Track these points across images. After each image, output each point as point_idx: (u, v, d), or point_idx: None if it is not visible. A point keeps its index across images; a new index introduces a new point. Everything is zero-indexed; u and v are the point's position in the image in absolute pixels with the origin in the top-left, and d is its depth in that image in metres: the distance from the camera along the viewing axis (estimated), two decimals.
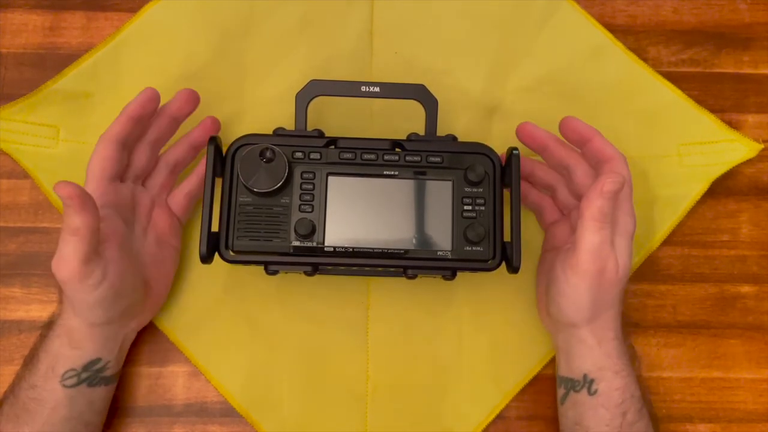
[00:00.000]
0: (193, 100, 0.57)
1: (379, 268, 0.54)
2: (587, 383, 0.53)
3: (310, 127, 0.54)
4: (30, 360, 0.53)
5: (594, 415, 0.52)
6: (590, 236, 0.50)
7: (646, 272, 0.63)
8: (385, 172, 0.53)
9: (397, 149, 0.54)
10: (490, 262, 0.53)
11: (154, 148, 0.57)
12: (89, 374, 0.53)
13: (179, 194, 0.59)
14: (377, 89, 0.54)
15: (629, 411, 0.52)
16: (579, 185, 0.56)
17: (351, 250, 0.52)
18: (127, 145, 0.54)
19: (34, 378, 0.52)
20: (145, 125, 0.55)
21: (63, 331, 0.52)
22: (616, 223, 0.52)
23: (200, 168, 0.59)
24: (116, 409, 0.58)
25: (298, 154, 0.53)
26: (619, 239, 0.52)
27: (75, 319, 0.52)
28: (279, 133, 0.54)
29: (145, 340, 0.59)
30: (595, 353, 0.53)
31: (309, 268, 0.52)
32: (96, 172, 0.52)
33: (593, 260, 0.50)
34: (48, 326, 0.54)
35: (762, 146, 0.63)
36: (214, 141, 0.51)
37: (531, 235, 0.62)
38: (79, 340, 0.52)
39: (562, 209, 0.59)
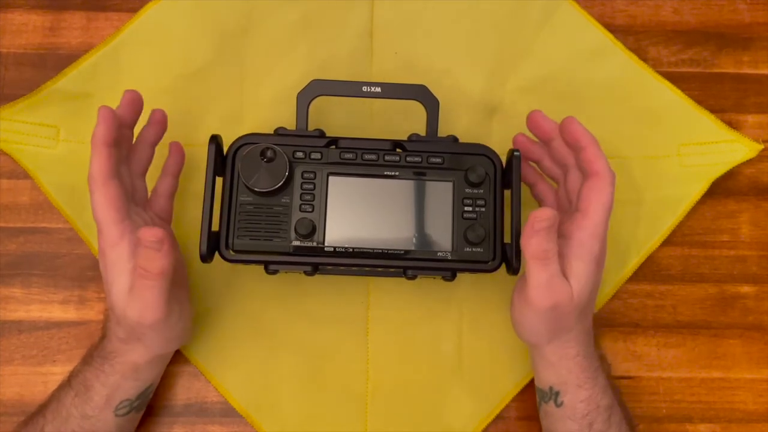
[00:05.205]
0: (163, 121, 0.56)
1: (379, 269, 0.54)
2: (553, 395, 0.53)
3: (310, 127, 0.54)
4: (80, 388, 0.52)
5: (563, 426, 0.53)
6: (536, 274, 0.48)
7: (646, 272, 0.63)
8: (385, 173, 0.53)
9: (397, 150, 0.54)
10: (490, 263, 0.53)
11: (135, 167, 0.55)
12: (140, 401, 0.54)
13: (161, 199, 0.57)
14: (378, 89, 0.54)
15: (596, 421, 0.52)
16: (569, 190, 0.54)
17: (351, 250, 0.52)
18: (119, 175, 0.50)
19: (87, 408, 0.51)
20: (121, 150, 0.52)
21: (127, 368, 0.52)
22: (580, 244, 0.50)
23: (170, 166, 0.58)
24: None
25: (299, 154, 0.53)
26: (579, 263, 0.49)
27: (144, 355, 0.52)
28: (280, 132, 0.54)
29: None
30: (556, 369, 0.53)
31: (309, 268, 0.52)
32: (110, 216, 0.48)
33: (544, 297, 0.49)
34: (99, 358, 0.52)
35: (762, 146, 0.63)
36: (215, 140, 0.51)
37: None
38: (144, 371, 0.53)
39: (559, 208, 0.57)
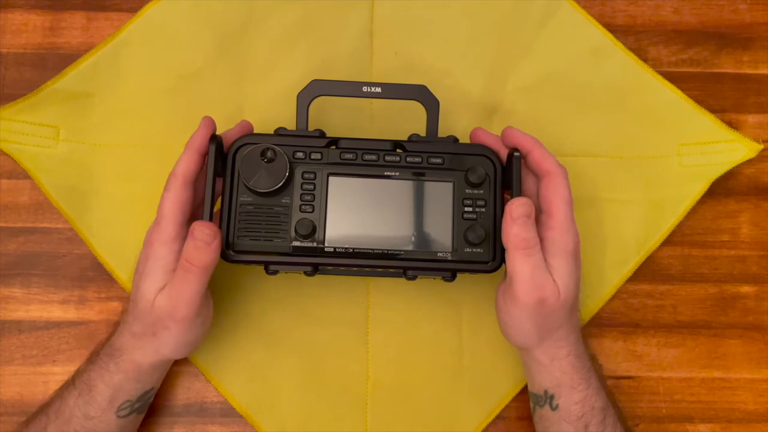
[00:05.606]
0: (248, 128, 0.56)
1: (379, 269, 0.54)
2: (548, 399, 0.53)
3: (311, 127, 0.54)
4: (84, 387, 0.52)
5: (558, 429, 0.53)
6: (520, 267, 0.49)
7: (646, 272, 0.63)
8: (385, 173, 0.53)
9: (398, 150, 0.54)
10: (490, 263, 0.53)
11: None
12: (141, 404, 0.54)
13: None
14: (379, 90, 0.54)
15: (591, 423, 0.52)
16: (530, 197, 0.54)
17: (351, 250, 0.52)
18: (195, 181, 0.52)
19: (90, 408, 0.51)
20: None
21: (131, 367, 0.52)
22: (553, 243, 0.50)
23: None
24: None
25: (299, 154, 0.53)
26: (558, 260, 0.50)
27: (150, 355, 0.52)
28: (280, 132, 0.54)
29: None
30: (549, 370, 0.53)
31: (309, 269, 0.52)
32: (176, 215, 0.50)
33: (529, 291, 0.49)
34: (105, 356, 0.52)
35: (762, 146, 0.62)
36: (215, 140, 0.51)
37: None
38: (146, 374, 0.52)
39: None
